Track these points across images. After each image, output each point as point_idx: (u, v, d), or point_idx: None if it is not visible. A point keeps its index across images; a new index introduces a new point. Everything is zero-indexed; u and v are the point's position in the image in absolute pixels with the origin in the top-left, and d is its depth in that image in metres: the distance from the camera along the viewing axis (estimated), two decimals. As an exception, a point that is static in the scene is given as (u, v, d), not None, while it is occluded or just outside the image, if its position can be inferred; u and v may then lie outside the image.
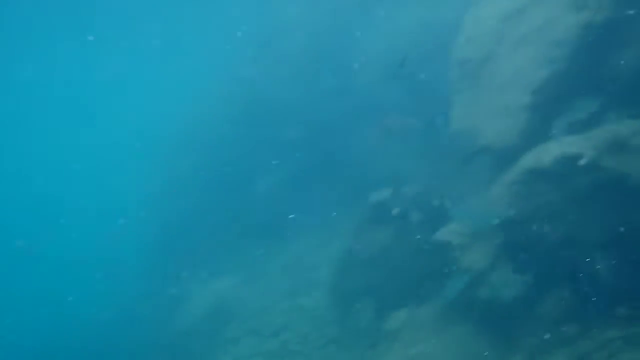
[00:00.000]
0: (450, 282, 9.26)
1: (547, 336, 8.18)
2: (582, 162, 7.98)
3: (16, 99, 32.86)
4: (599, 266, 7.85)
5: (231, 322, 16.04)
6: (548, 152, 8.48)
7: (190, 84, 23.15)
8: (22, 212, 31.24)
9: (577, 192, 8.12)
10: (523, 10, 10.27)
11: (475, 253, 8.93)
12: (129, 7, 29.38)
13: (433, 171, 11.39)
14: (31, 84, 32.15)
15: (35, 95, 33.78)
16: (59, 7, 26.40)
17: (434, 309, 9.56)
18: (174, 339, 15.77)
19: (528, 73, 9.68)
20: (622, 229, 7.76)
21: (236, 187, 17.48)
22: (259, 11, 21.96)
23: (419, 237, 10.86)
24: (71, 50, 30.65)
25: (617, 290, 7.87)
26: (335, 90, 16.96)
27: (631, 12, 9.20)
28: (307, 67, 17.69)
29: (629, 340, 7.52)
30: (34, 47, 29.12)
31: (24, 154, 35.69)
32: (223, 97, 19.29)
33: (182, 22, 30.32)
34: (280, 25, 19.88)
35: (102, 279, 20.14)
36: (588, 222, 8.04)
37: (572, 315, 8.18)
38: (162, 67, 31.41)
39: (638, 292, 7.74)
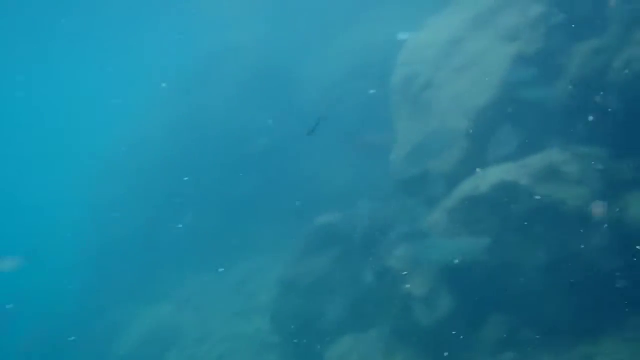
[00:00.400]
0: (393, 307, 9.23)
1: (485, 364, 8.25)
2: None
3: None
4: (537, 290, 7.98)
5: (170, 349, 15.54)
6: (485, 180, 8.63)
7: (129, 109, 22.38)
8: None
9: (515, 218, 8.28)
10: (461, 40, 10.55)
11: (417, 279, 8.94)
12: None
13: (378, 195, 11.44)
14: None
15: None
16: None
17: (379, 335, 9.48)
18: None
19: (465, 100, 9.90)
20: (560, 254, 7.95)
21: (177, 212, 17.02)
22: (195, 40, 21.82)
23: (362, 262, 10.86)
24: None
25: (556, 316, 8.04)
26: (280, 112, 16.88)
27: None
28: (251, 91, 17.61)
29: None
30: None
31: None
32: (161, 124, 18.81)
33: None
34: (222, 50, 19.71)
35: (37, 304, 19.26)
36: (526, 247, 8.20)
37: (511, 342, 8.28)
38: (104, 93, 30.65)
39: (575, 318, 7.93)
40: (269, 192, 15.88)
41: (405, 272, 9.01)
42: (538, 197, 8.05)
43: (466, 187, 8.86)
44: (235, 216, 16.42)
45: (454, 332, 8.54)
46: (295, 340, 11.53)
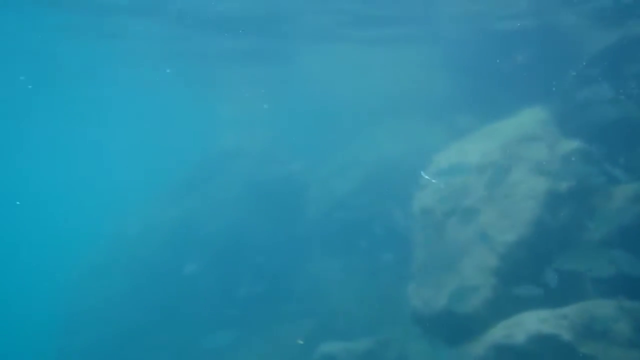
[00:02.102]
0: None
1: None
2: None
3: None
4: None
5: None
6: (520, 328, 7.69)
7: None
8: None
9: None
10: (488, 168, 10.05)
11: None
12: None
13: (389, 328, 10.40)
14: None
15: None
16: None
17: None
18: None
19: (494, 234, 9.18)
20: None
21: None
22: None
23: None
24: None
25: None
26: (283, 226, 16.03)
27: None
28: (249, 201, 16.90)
29: None
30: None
31: None
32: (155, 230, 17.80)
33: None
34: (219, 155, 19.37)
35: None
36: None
37: None
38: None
39: None
40: (273, 311, 14.62)
41: None
42: (582, 357, 7.09)
43: (497, 334, 7.89)
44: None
45: None
46: None
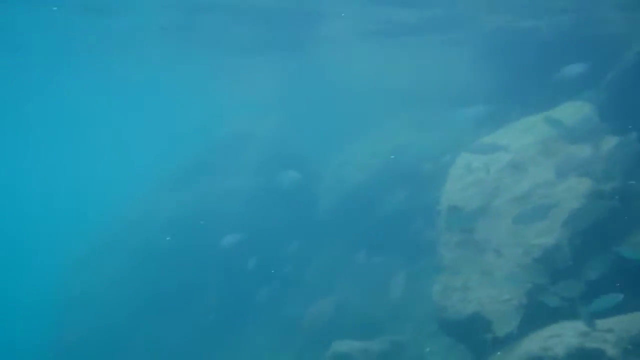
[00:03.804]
0: None
1: None
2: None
3: None
4: None
5: None
6: (558, 340, 7.05)
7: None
8: None
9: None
10: (522, 166, 9.37)
11: None
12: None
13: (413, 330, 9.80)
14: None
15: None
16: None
17: None
18: None
19: (527, 236, 8.52)
20: None
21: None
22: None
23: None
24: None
25: None
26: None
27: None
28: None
29: None
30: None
31: None
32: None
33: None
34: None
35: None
36: None
37: None
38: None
39: None
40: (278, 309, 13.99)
41: None
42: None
43: (533, 345, 7.24)
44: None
45: None
46: None
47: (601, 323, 7.05)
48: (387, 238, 12.34)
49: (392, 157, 15.03)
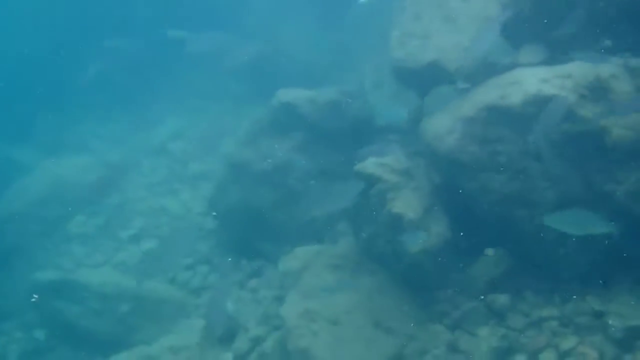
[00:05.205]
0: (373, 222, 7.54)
1: (473, 304, 7.10)
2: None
3: None
4: (550, 236, 6.67)
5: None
6: (517, 88, 6.80)
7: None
8: None
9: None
10: None
11: (406, 197, 7.32)
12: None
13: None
14: None
15: None
16: None
17: (347, 252, 8.02)
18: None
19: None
20: (585, 194, 6.57)
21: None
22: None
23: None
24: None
25: (564, 261, 6.87)
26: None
27: None
28: None
29: (565, 323, 6.64)
30: None
31: None
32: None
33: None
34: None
35: None
36: (549, 180, 6.71)
37: (506, 283, 7.12)
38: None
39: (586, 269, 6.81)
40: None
41: (394, 186, 7.33)
42: (582, 120, 6.42)
43: (490, 93, 7.00)
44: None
45: (441, 263, 7.22)
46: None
47: (559, 69, 6.78)
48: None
49: None
